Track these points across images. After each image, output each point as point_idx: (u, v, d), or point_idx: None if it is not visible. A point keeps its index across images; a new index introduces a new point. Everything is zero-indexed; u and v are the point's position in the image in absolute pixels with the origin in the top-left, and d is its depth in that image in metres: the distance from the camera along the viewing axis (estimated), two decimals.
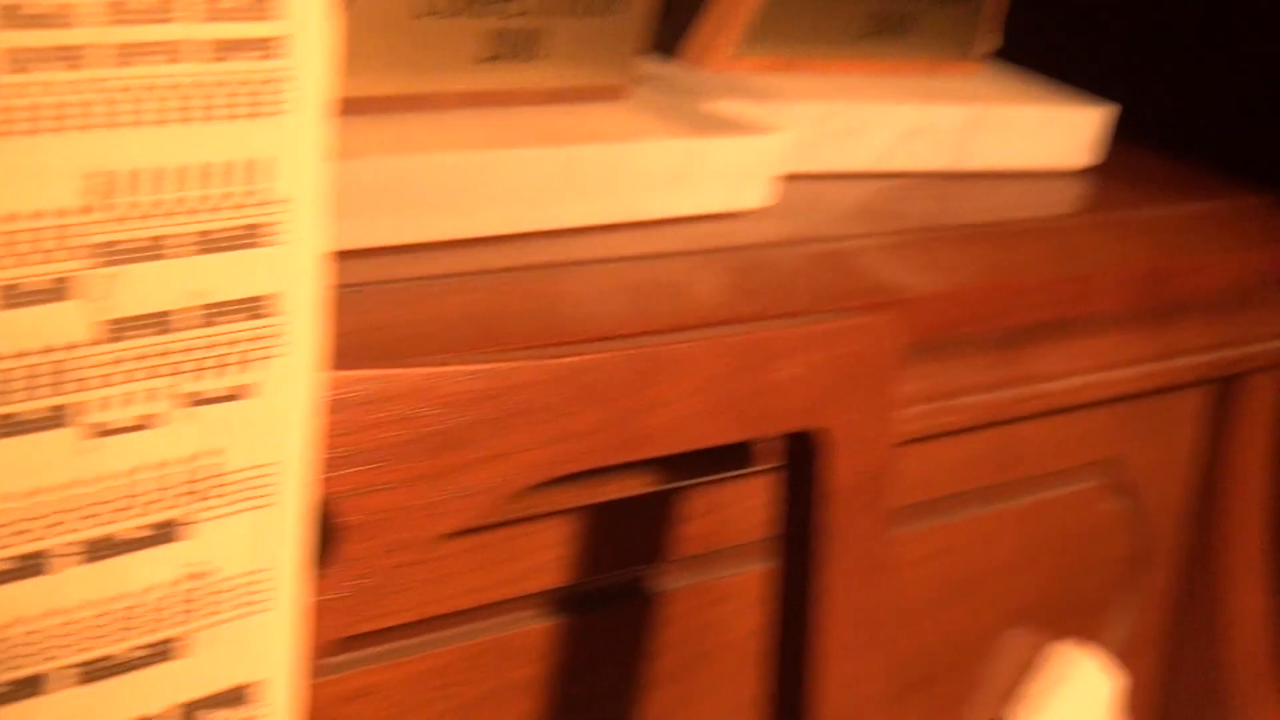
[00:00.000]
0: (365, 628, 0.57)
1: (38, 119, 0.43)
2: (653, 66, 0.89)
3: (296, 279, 0.49)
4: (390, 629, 0.67)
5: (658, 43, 0.91)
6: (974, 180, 1.02)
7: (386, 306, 0.64)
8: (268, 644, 0.50)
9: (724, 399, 0.67)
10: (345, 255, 0.64)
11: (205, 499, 0.48)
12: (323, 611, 0.54)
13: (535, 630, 0.74)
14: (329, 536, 0.55)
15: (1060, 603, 1.07)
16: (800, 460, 0.72)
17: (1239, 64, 1.18)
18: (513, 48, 0.75)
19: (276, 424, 0.49)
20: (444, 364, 0.58)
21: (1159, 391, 1.06)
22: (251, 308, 0.48)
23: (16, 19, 0.42)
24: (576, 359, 0.62)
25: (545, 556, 0.72)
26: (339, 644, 0.56)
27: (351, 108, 0.68)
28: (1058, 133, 1.07)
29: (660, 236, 0.78)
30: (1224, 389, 1.13)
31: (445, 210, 0.70)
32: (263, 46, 0.47)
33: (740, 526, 0.80)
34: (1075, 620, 1.08)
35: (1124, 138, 1.12)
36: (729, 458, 0.74)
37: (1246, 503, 1.16)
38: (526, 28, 0.76)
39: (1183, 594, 1.17)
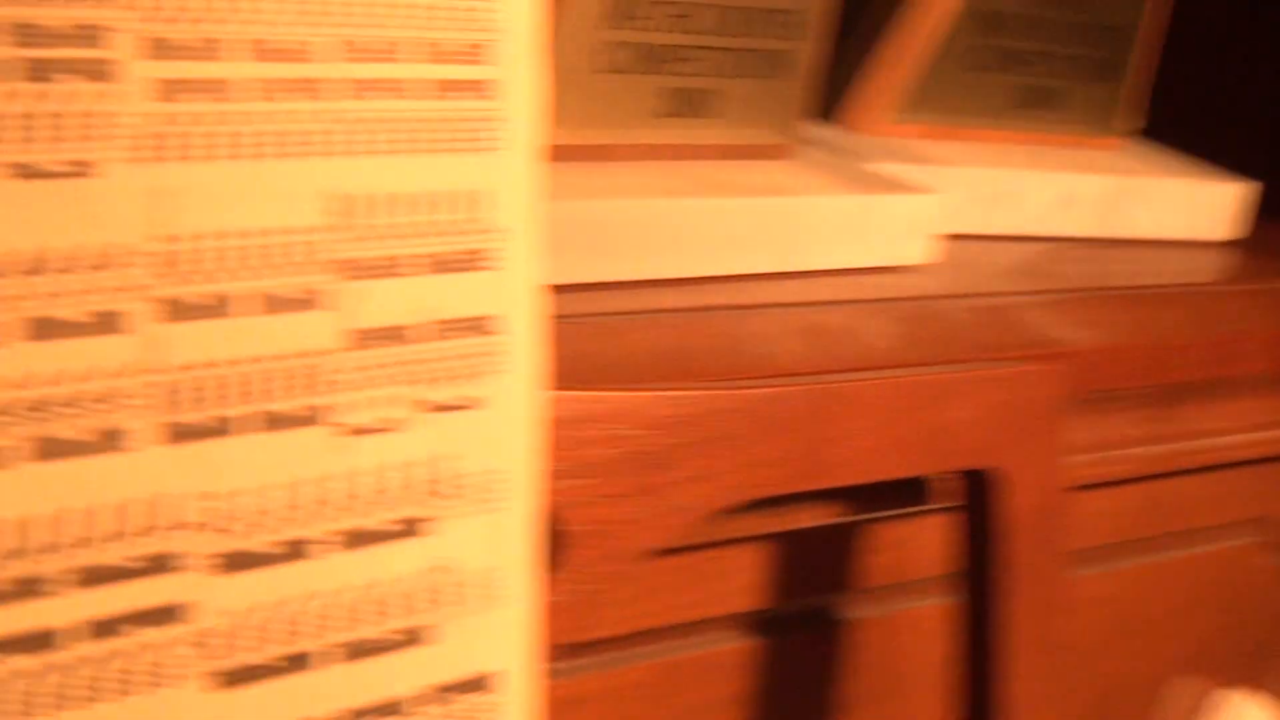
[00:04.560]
0: (585, 635, 0.59)
1: (284, 144, 0.45)
2: (815, 129, 0.91)
3: (516, 302, 0.51)
4: (603, 640, 0.68)
5: (819, 108, 0.94)
6: (1121, 247, 1.03)
7: (585, 338, 0.66)
8: (505, 638, 0.52)
9: (900, 435, 0.69)
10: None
11: (445, 499, 0.50)
12: (549, 614, 0.56)
13: (733, 650, 0.75)
14: (555, 543, 0.56)
15: (1223, 652, 1.06)
16: (977, 498, 0.73)
17: None
18: (687, 105, 0.78)
19: (504, 434, 0.51)
20: (650, 389, 0.59)
21: None
22: (477, 326, 0.50)
23: (263, 52, 0.45)
24: (764, 390, 0.64)
25: (742, 580, 0.74)
26: (564, 647, 0.58)
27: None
28: (1200, 206, 1.07)
29: (830, 285, 0.80)
30: None
31: (637, 252, 0.72)
32: (478, 88, 0.50)
33: (921, 561, 0.81)
34: (1238, 669, 1.07)
35: (1267, 214, 1.12)
36: (910, 494, 0.76)
37: None
38: (700, 87, 0.78)
39: None
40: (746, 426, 0.63)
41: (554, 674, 0.65)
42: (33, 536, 0.42)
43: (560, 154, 0.73)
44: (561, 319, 0.66)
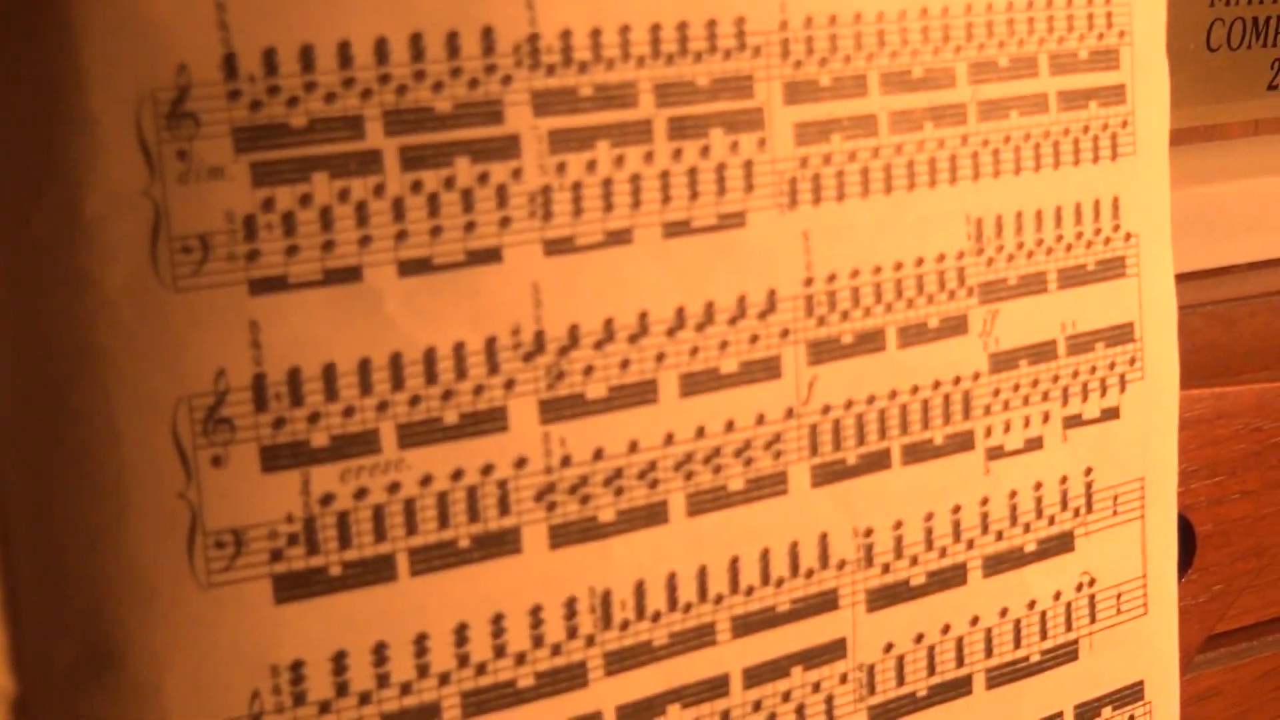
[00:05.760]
0: (1212, 631, 0.56)
1: (926, 173, 0.44)
2: None
3: (1148, 308, 0.49)
4: (1230, 632, 0.65)
5: None
6: None
7: (1207, 328, 0.63)
8: (1147, 647, 0.50)
9: None
10: None
11: (1087, 513, 0.48)
12: (1184, 617, 0.54)
13: None
14: (1187, 546, 0.54)
15: None
16: None
17: None
18: None
19: (1138, 443, 0.49)
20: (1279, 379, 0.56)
21: None
22: (1110, 337, 0.48)
23: (899, 83, 0.43)
24: None
25: None
26: (1193, 645, 0.55)
27: None
28: None
29: None
30: None
31: (1245, 234, 0.68)
32: (1103, 95, 0.47)
33: None
34: None
35: None
36: None
37: None
38: None
39: None
40: None
41: (1186, 669, 0.63)
42: (704, 587, 0.42)
43: (1171, 138, 0.70)
44: (1181, 310, 0.63)
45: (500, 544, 0.39)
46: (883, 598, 0.45)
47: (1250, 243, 0.68)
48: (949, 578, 0.46)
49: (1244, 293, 0.66)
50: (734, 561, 0.42)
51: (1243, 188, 0.68)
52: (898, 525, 0.45)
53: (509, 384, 0.39)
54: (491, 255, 0.38)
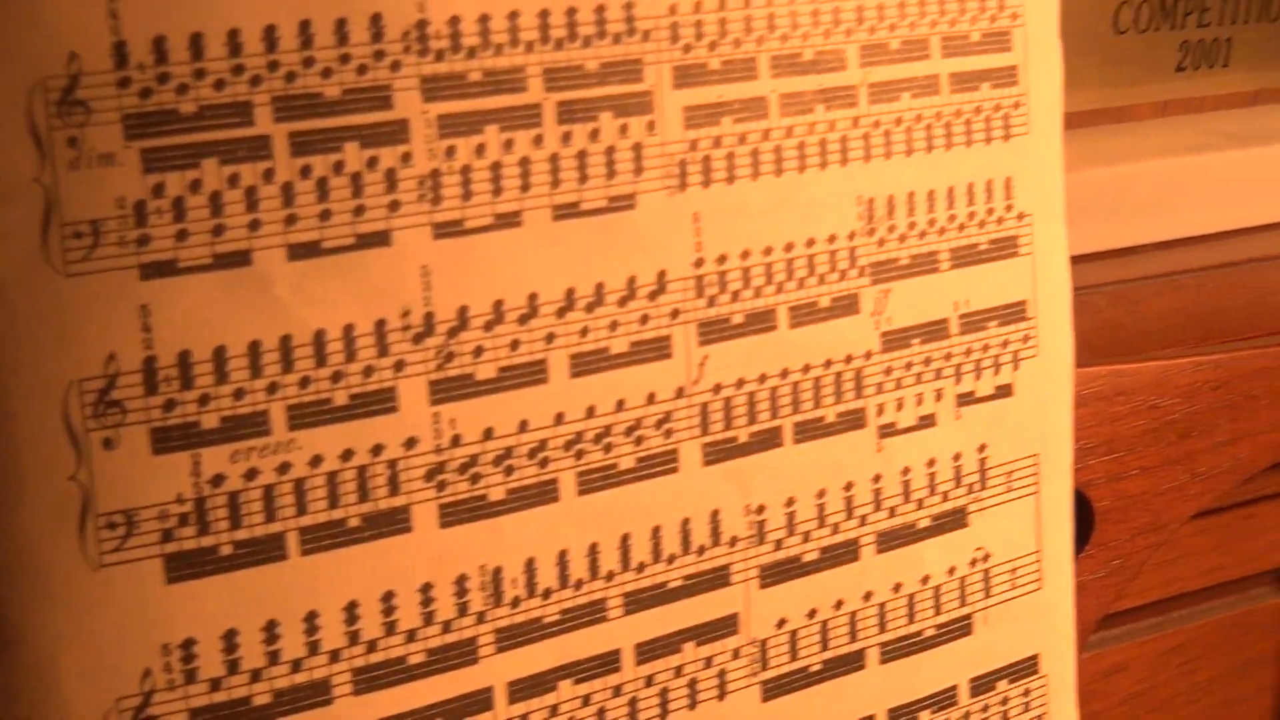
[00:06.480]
0: (1118, 607, 0.58)
1: (817, 155, 0.45)
2: None
3: (1041, 286, 0.50)
4: (1136, 608, 0.66)
5: None
6: None
7: (1111, 307, 0.64)
8: (1042, 622, 0.51)
9: None
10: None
11: (981, 490, 0.49)
12: (1083, 592, 0.55)
13: (1272, 606, 0.72)
14: (1085, 522, 0.55)
15: None
16: None
17: None
18: (1204, 57, 0.75)
19: (1032, 420, 0.50)
20: (1178, 357, 0.57)
21: None
22: (1003, 315, 0.49)
23: (789, 66, 0.44)
24: None
25: (1277, 536, 0.71)
26: (1096, 620, 0.57)
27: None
28: None
29: None
30: None
31: (1151, 215, 0.70)
32: (996, 77, 0.48)
33: None
34: None
35: None
36: None
37: None
38: (1215, 37, 0.75)
39: None
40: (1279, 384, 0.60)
41: (1087, 647, 0.64)
42: (595, 565, 0.43)
43: (1079, 120, 0.71)
44: (1080, 290, 0.64)
45: (390, 523, 0.40)
46: (775, 574, 0.46)
47: (1156, 223, 0.70)
48: (841, 554, 0.47)
49: (1148, 272, 0.67)
50: (625, 539, 0.43)
51: (1150, 169, 0.69)
52: (790, 502, 0.46)
53: (398, 365, 0.40)
54: (380, 239, 0.39)
